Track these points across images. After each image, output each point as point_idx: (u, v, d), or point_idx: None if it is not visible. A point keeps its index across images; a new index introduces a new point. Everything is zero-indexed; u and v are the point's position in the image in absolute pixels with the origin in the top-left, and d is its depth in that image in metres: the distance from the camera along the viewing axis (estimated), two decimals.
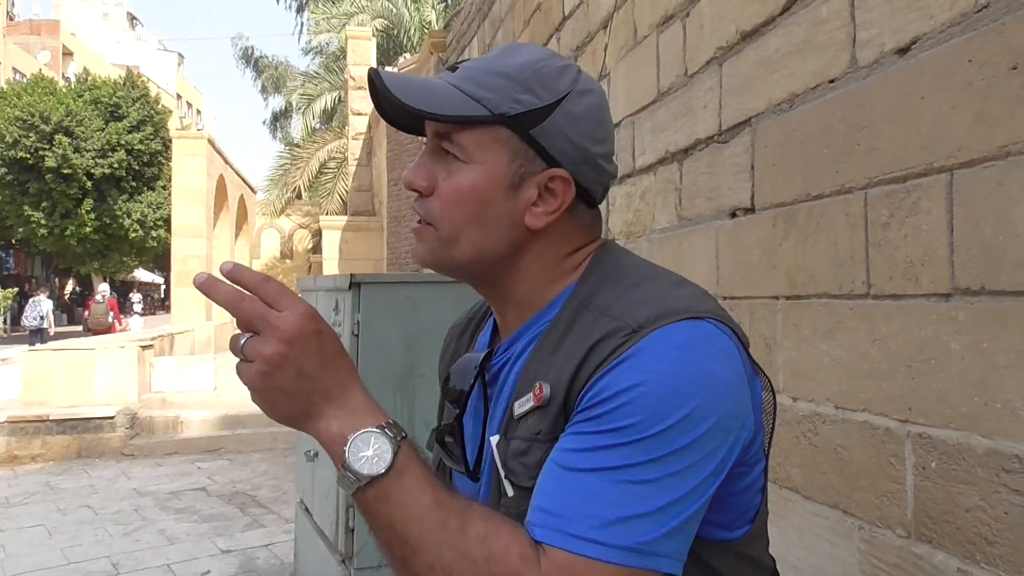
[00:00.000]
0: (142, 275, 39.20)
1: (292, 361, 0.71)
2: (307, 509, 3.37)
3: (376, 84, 0.81)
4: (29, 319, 17.72)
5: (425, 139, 0.87)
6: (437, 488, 0.71)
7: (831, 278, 1.92)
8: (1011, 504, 1.39)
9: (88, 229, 25.07)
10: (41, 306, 17.77)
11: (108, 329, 16.64)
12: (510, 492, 0.79)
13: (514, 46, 0.87)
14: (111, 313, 17.49)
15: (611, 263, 0.86)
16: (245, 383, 0.73)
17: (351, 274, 3.00)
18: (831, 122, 1.92)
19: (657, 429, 0.68)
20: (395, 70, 13.49)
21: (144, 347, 9.57)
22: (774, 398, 0.88)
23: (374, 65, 16.21)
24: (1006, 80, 1.41)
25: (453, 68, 0.86)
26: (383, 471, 0.69)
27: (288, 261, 22.70)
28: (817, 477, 1.97)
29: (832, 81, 1.93)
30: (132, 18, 57.29)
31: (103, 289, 18.72)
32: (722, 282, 2.45)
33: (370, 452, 0.70)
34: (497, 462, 0.82)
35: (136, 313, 22.79)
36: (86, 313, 19.59)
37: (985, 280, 1.46)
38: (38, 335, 17.03)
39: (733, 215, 2.39)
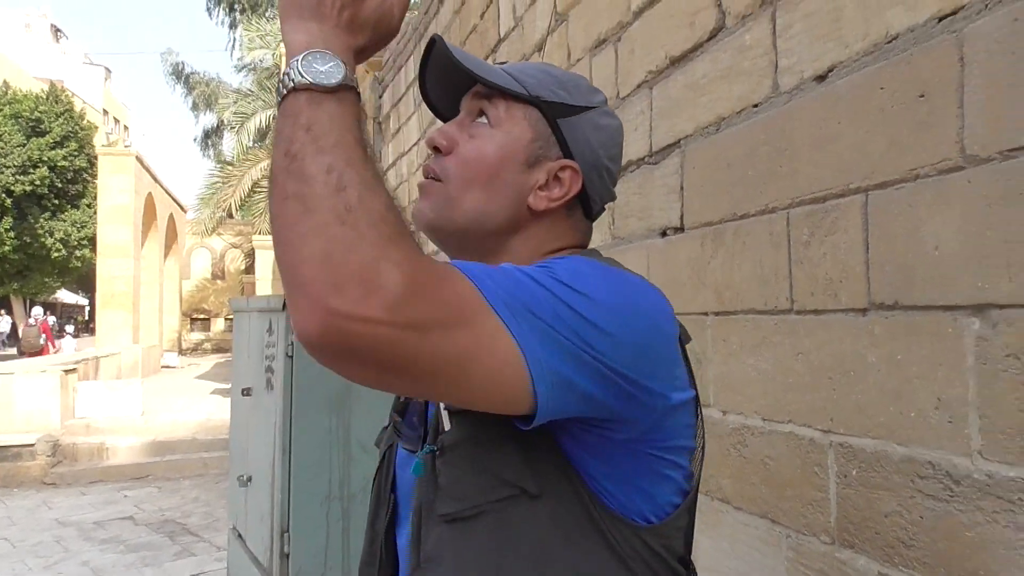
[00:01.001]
0: (65, 296, 37.79)
1: None
2: (240, 535, 3.29)
3: (437, 47, 0.89)
4: None
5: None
6: (368, 139, 0.70)
7: (757, 294, 1.98)
8: (925, 509, 1.46)
9: (7, 248, 24.02)
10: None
11: (41, 351, 16.28)
12: (447, 425, 0.82)
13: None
14: (43, 335, 17.10)
15: (590, 255, 0.91)
16: None
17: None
18: (755, 145, 2.00)
19: (569, 283, 0.71)
20: None
21: (67, 371, 9.23)
22: (701, 418, 0.90)
23: None
24: (914, 107, 1.50)
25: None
26: (324, 84, 0.68)
27: (220, 282, 22.21)
28: (746, 488, 2.02)
29: (756, 106, 2.01)
30: (56, 30, 55.60)
31: (36, 312, 18.34)
32: None
33: (323, 68, 0.69)
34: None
35: (68, 334, 22.17)
36: None
37: (898, 295, 1.53)
38: None
39: (664, 234, 2.45)
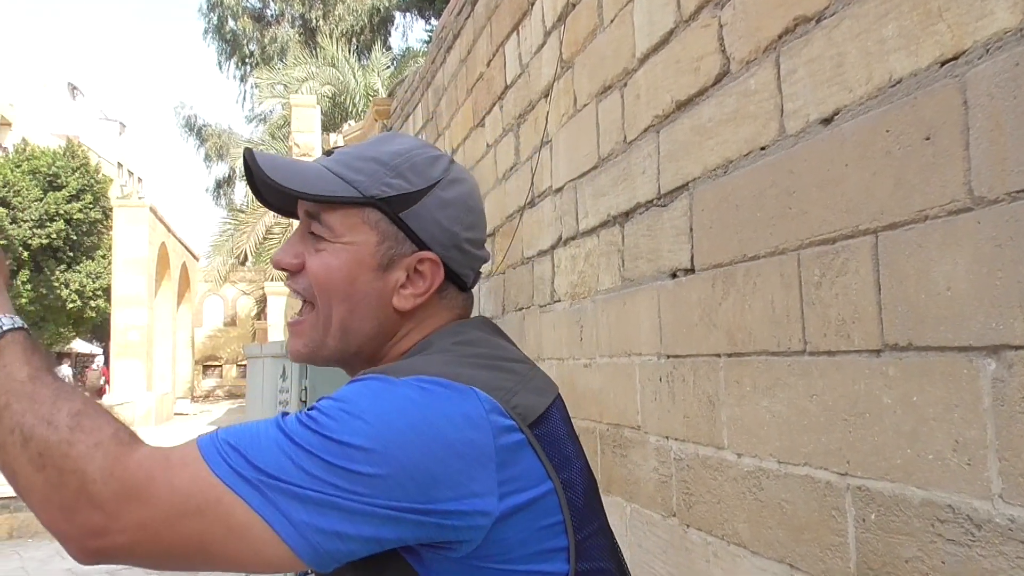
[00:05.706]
0: (79, 346, 38.02)
1: None
2: None
3: (250, 164, 0.84)
4: None
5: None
6: (39, 368, 0.72)
7: (769, 336, 1.98)
8: (947, 554, 1.43)
9: (24, 300, 24.27)
10: (60, 372, 19.46)
11: (100, 392, 17.82)
12: None
13: (390, 135, 0.90)
14: (103, 378, 18.77)
15: (438, 338, 0.85)
16: None
17: None
18: (763, 187, 2.01)
19: (327, 433, 0.69)
20: (340, 137, 13.57)
21: None
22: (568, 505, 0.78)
23: (318, 132, 16.31)
24: (920, 149, 1.51)
25: (329, 153, 0.88)
26: None
27: (232, 329, 22.28)
28: (763, 532, 1.99)
29: (763, 148, 2.02)
30: (73, 88, 56.79)
31: (99, 360, 19.66)
32: (665, 341, 2.50)
33: None
34: None
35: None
36: None
37: (911, 336, 1.53)
38: None
39: (674, 276, 2.46)
